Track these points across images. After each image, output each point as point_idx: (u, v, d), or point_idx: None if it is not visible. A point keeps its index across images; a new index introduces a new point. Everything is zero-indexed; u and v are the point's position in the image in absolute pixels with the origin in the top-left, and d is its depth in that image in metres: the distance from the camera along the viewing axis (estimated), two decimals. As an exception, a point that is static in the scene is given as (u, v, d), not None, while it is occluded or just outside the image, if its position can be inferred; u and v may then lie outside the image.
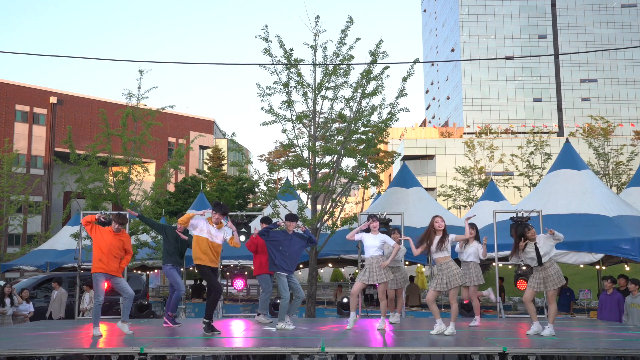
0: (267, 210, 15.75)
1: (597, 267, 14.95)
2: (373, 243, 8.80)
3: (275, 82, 14.77)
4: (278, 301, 12.50)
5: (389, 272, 8.80)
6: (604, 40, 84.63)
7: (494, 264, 13.06)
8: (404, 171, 16.95)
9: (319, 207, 14.86)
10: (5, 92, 48.00)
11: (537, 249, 7.93)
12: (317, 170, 14.84)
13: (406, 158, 62.58)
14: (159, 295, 24.50)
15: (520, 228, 8.12)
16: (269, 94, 14.79)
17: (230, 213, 13.84)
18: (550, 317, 7.99)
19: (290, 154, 29.67)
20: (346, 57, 14.71)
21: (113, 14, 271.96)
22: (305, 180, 33.07)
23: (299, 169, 18.13)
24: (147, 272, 22.64)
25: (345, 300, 13.35)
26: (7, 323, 11.54)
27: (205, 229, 8.44)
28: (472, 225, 9.71)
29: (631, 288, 10.17)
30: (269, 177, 15.24)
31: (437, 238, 8.18)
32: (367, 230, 8.99)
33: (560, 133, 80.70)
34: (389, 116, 14.49)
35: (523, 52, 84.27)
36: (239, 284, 12.29)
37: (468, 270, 9.61)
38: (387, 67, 14.66)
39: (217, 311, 13.53)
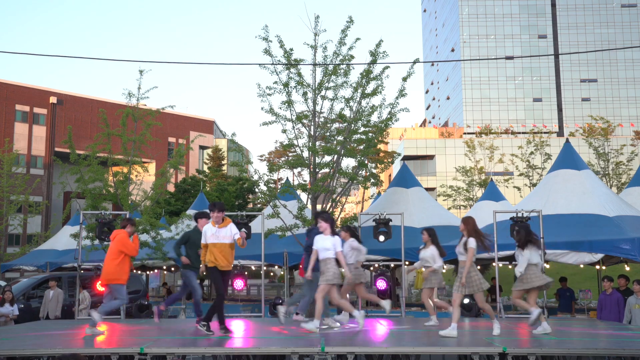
0: (267, 211, 15.75)
1: (597, 267, 14.96)
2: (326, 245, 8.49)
3: (275, 82, 14.78)
4: (279, 301, 12.51)
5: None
6: (604, 40, 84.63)
7: (493, 264, 13.06)
8: (404, 171, 16.95)
9: (319, 207, 14.87)
10: (5, 92, 48.01)
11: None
12: (317, 170, 14.85)
13: (406, 158, 62.57)
14: (159, 296, 24.50)
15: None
16: (269, 94, 14.80)
17: (230, 213, 13.85)
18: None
19: (290, 154, 29.69)
20: (346, 57, 14.71)
21: (113, 14, 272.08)
22: (305, 180, 33.07)
23: (299, 169, 18.18)
24: (147, 272, 22.64)
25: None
26: None
27: (209, 233, 8.22)
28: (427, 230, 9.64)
29: (636, 289, 10.16)
30: (269, 177, 15.24)
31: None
32: (318, 232, 8.70)
33: (560, 133, 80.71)
34: (389, 116, 14.50)
35: (523, 52, 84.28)
36: (239, 284, 12.28)
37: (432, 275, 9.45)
38: (387, 67, 14.67)
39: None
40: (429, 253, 9.38)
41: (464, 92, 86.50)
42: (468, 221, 8.10)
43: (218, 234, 8.12)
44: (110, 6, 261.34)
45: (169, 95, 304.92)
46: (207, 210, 8.50)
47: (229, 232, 8.15)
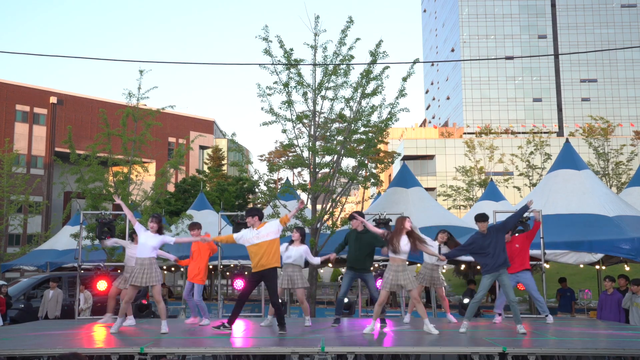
0: (267, 211, 15.75)
1: (597, 267, 14.95)
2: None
3: (275, 82, 14.77)
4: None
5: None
6: (604, 40, 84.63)
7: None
8: (404, 171, 16.94)
9: (319, 207, 14.86)
10: (5, 92, 47.99)
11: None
12: (317, 170, 14.84)
13: (406, 158, 62.57)
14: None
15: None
16: (269, 94, 14.79)
17: (230, 213, 13.85)
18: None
19: (290, 154, 29.68)
20: (346, 57, 14.71)
21: (113, 14, 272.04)
22: (305, 180, 33.06)
23: (299, 169, 18.16)
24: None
25: (346, 300, 13.32)
26: None
27: (249, 236, 8.16)
28: (298, 229, 9.70)
29: (634, 289, 10.15)
30: (269, 177, 15.25)
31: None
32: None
33: (560, 133, 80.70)
34: (389, 116, 14.49)
35: (523, 52, 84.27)
36: (238, 283, 12.26)
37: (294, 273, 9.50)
38: (387, 67, 14.66)
39: (217, 311, 13.54)
40: (300, 253, 9.45)
41: (464, 92, 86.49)
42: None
43: (259, 234, 8.09)
44: (110, 6, 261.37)
45: (169, 95, 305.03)
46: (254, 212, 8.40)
47: (270, 228, 8.13)
